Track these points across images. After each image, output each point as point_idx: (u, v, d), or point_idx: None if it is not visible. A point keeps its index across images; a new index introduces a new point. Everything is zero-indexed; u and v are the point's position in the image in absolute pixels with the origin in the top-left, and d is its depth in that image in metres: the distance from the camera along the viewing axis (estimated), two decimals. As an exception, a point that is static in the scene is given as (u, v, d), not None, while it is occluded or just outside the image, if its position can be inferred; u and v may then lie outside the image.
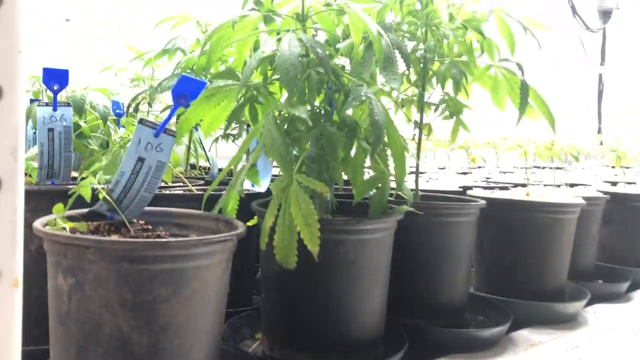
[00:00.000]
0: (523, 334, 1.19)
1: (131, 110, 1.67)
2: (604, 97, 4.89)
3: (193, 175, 1.68)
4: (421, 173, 2.32)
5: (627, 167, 4.16)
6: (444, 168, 2.79)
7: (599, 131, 4.84)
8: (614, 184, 2.06)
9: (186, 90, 0.79)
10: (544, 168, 3.50)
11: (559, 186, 1.68)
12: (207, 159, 1.72)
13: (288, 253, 0.81)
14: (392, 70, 1.04)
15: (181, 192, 1.22)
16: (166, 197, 1.14)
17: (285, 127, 0.90)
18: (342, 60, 1.13)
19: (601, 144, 4.81)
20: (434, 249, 1.11)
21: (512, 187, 1.72)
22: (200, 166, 1.80)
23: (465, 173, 2.51)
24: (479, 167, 3.01)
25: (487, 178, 2.16)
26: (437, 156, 3.04)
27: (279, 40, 0.87)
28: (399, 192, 0.97)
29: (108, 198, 0.81)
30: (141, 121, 0.81)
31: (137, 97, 1.68)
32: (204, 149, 1.71)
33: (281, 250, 0.82)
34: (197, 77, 1.30)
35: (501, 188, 1.61)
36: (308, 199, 0.81)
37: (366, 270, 0.91)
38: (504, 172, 2.72)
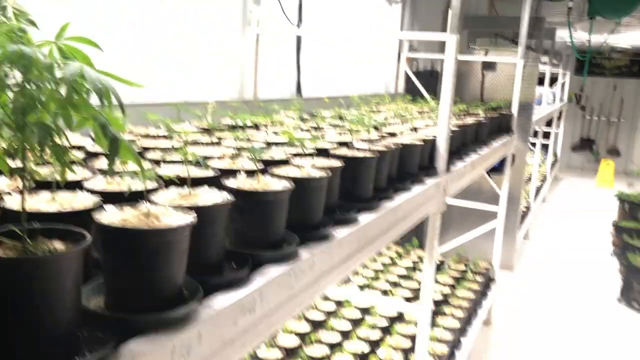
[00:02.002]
0: (130, 347, 1.35)
1: None
2: (302, 57, 5.42)
3: None
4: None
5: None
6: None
7: (299, 89, 5.39)
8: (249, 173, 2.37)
9: None
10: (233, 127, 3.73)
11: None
12: None
13: None
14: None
15: None
16: None
17: None
18: None
19: (300, 94, 5.35)
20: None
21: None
22: None
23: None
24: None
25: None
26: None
27: None
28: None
29: None
30: None
31: None
32: None
33: None
34: None
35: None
36: None
37: None
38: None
